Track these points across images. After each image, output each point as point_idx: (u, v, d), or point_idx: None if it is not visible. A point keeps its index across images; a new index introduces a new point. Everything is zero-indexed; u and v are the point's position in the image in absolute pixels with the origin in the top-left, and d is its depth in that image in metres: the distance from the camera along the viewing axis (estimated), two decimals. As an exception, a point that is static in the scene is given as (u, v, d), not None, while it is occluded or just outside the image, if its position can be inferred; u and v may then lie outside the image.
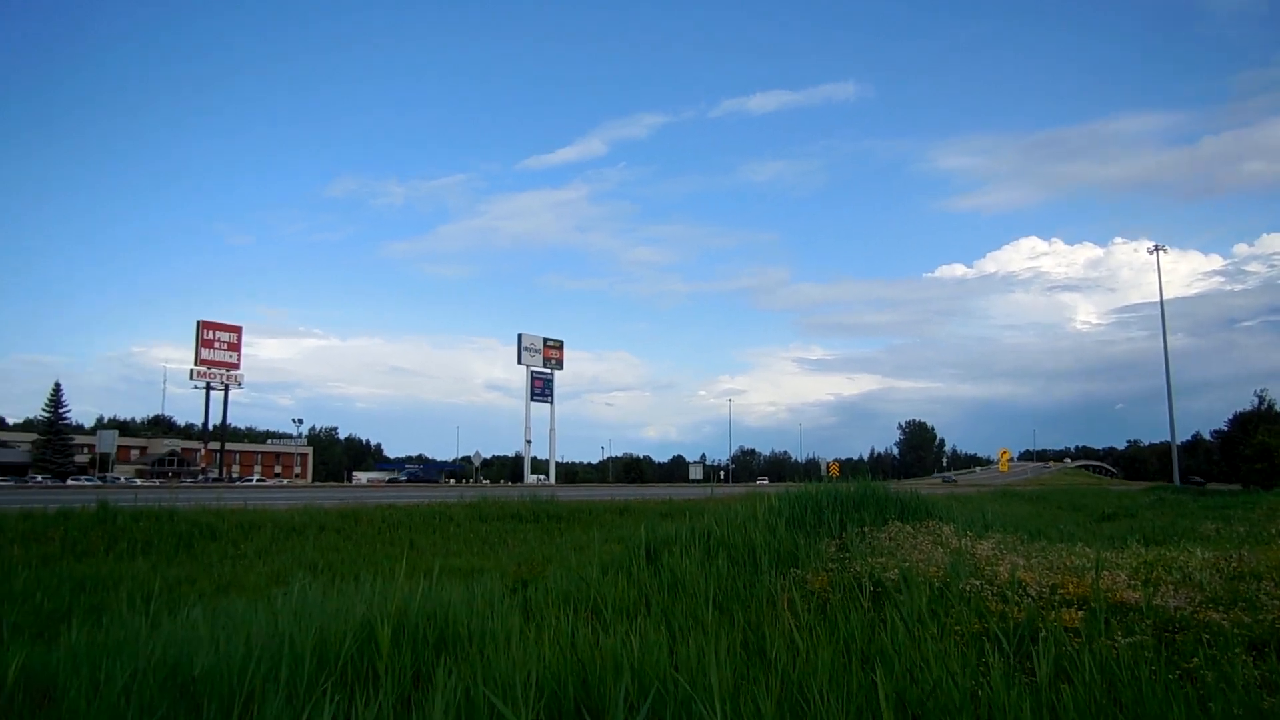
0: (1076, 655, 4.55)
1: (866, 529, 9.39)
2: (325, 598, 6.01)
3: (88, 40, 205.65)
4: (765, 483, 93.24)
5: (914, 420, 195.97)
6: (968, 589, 6.23)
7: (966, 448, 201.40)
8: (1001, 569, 6.87)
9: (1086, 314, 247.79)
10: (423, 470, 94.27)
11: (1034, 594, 6.03)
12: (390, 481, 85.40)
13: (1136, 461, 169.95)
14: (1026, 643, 4.95)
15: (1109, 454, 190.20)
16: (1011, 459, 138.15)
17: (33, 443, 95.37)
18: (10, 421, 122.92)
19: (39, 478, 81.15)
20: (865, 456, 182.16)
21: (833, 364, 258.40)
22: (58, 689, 4.22)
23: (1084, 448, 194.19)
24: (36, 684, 4.40)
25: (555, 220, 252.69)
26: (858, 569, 7.15)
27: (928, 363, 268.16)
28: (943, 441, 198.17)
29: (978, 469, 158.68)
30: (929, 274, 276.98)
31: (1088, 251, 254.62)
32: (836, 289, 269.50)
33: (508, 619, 5.68)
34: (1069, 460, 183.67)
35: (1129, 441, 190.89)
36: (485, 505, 21.35)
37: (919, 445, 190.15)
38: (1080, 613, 5.52)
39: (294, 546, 15.03)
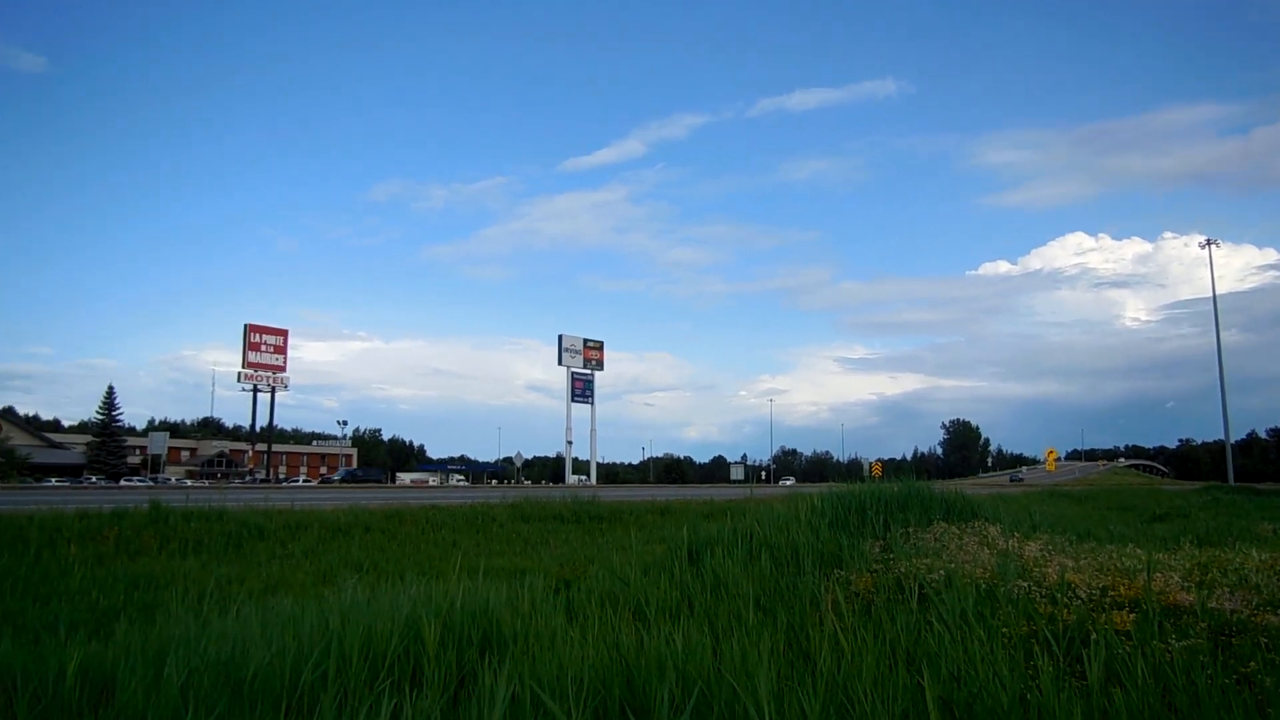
0: (1129, 659, 4.46)
1: (911, 529, 9.29)
2: (371, 597, 6.08)
3: (130, 49, 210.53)
4: (791, 482, 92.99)
5: (958, 419, 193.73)
6: (1015, 591, 6.13)
7: (1012, 447, 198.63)
8: (1050, 570, 6.76)
9: (1135, 310, 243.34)
10: (362, 473, 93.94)
11: (1084, 596, 5.91)
12: (323, 482, 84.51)
13: (1189, 460, 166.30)
14: (1076, 646, 4.87)
15: (1160, 453, 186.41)
16: (1059, 458, 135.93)
17: (87, 444, 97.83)
18: (66, 424, 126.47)
19: (94, 479, 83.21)
20: (908, 456, 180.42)
21: (875, 363, 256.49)
22: (116, 685, 4.31)
23: (1134, 447, 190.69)
24: (95, 679, 4.50)
25: (594, 221, 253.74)
26: (902, 570, 7.08)
27: (972, 361, 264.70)
28: (988, 441, 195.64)
29: (1024, 469, 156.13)
30: (973, 271, 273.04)
31: (1136, 247, 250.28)
32: (878, 287, 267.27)
33: (551, 619, 5.71)
34: (1120, 460, 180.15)
35: (1181, 440, 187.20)
36: (527, 506, 21.47)
37: (963, 445, 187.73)
38: (1132, 615, 5.41)
39: (340, 546, 15.24)
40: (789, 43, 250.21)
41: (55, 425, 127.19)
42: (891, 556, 7.82)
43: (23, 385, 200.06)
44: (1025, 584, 6.29)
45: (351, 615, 5.15)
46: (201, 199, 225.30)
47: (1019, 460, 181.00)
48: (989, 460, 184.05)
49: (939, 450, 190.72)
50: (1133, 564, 7.25)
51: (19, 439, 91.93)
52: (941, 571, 6.78)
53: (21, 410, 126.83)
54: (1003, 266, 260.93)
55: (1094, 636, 4.79)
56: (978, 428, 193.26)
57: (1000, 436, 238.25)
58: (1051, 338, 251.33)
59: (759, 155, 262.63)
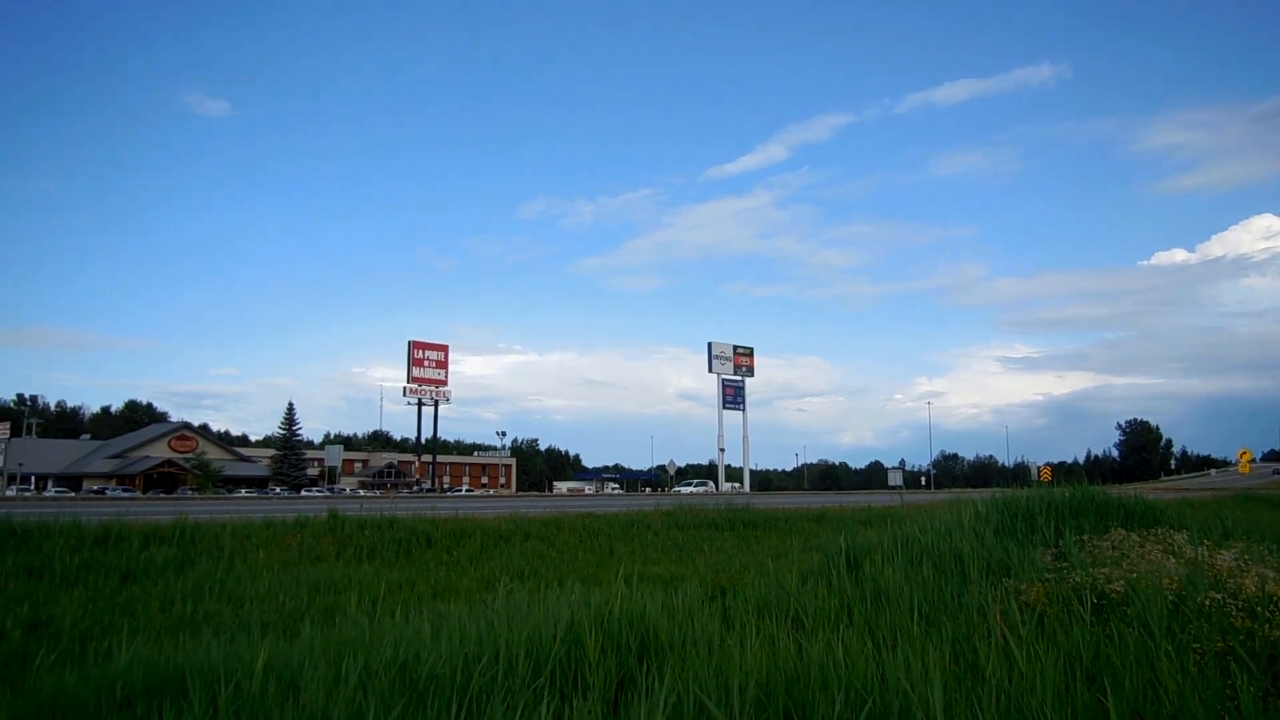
0: (1343, 679, 4.05)
1: (1085, 537, 8.76)
2: (532, 603, 6.25)
3: (301, 92, 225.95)
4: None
5: (1135, 419, 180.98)
6: (1207, 603, 5.68)
7: (1197, 448, 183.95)
8: (1247, 581, 6.22)
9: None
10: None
11: (1288, 610, 5.42)
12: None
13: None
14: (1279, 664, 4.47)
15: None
16: (1253, 460, 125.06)
17: (271, 458, 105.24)
18: (253, 439, 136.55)
19: (277, 489, 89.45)
20: (1080, 460, 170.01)
21: (1039, 362, 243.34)
22: (300, 681, 4.60)
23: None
24: (282, 677, 4.81)
25: (739, 228, 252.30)
26: (1077, 579, 6.68)
27: (1148, 357, 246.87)
28: (1169, 442, 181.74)
29: (1212, 471, 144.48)
30: (1144, 262, 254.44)
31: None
32: (1039, 283, 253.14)
33: (707, 626, 5.70)
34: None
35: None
36: (681, 513, 21.54)
37: (1142, 446, 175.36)
38: (1346, 632, 4.92)
39: (501, 553, 15.71)
40: (933, 35, 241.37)
41: (243, 440, 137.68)
42: (1065, 565, 7.40)
43: (214, 404, 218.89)
44: (1218, 596, 5.81)
45: (515, 620, 5.31)
46: (367, 225, 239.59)
47: (1206, 462, 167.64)
48: (1171, 462, 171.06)
49: (1114, 452, 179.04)
50: (1345, 575, 6.59)
51: (213, 453, 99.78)
52: (1122, 582, 6.36)
53: (214, 427, 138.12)
54: (1179, 255, 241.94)
55: (1301, 654, 4.39)
56: (1157, 428, 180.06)
57: (1183, 437, 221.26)
58: (1239, 329, 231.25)
59: (905, 152, 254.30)
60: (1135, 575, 6.55)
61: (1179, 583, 6.24)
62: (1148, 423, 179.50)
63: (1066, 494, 10.31)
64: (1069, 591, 6.44)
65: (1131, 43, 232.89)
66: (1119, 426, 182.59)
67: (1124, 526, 9.28)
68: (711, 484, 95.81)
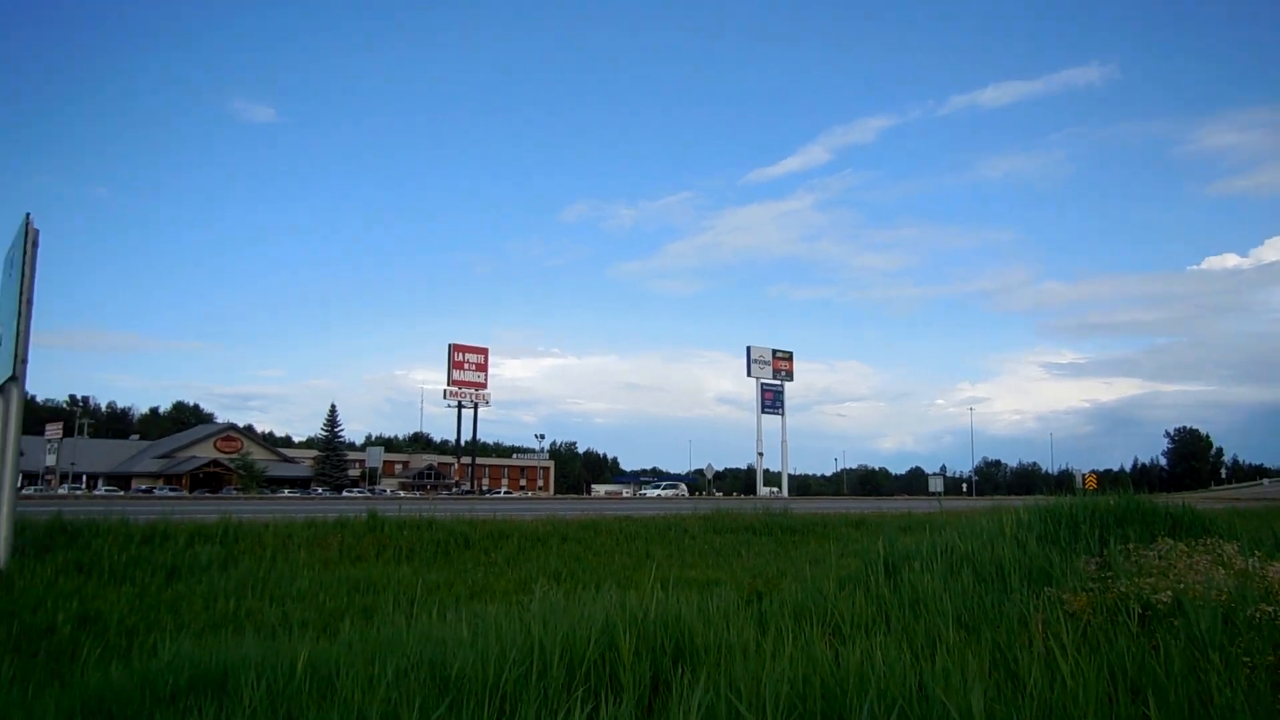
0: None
1: (1131, 546, 8.58)
2: (568, 604, 6.26)
3: (347, 100, 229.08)
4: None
5: (1184, 427, 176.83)
6: (1258, 615, 5.53)
7: (1250, 457, 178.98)
8: (1300, 593, 6.06)
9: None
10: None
11: (1343, 624, 5.26)
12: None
13: None
14: (1336, 679, 4.33)
15: None
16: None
17: (314, 459, 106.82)
18: (296, 440, 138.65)
19: (320, 490, 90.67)
20: (1127, 467, 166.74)
21: (1086, 368, 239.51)
22: (338, 679, 4.66)
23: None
24: (321, 674, 4.87)
25: (780, 231, 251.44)
26: (1123, 589, 6.54)
27: (1198, 364, 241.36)
28: (1220, 450, 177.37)
29: (1265, 481, 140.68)
30: (1195, 266, 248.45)
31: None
32: (1086, 287, 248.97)
33: (743, 630, 5.67)
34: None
35: None
36: (719, 518, 21.47)
37: (1191, 455, 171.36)
38: (1404, 647, 4.76)
39: (538, 555, 15.77)
40: (978, 37, 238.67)
41: (287, 441, 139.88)
42: (1109, 575, 7.25)
43: (259, 405, 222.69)
44: (1270, 608, 5.66)
45: (551, 621, 5.32)
46: (409, 229, 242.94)
47: (1258, 471, 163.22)
48: (1222, 471, 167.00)
49: (1162, 461, 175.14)
50: (1404, 588, 6.38)
51: (258, 454, 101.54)
52: (1169, 592, 6.22)
53: (259, 428, 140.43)
54: (1230, 260, 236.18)
55: (1357, 669, 4.25)
56: (1207, 436, 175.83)
57: (1234, 446, 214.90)
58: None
59: (950, 155, 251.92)
60: (1183, 586, 6.40)
61: (1228, 595, 6.08)
62: (1197, 431, 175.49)
63: (1111, 502, 10.10)
64: (1114, 601, 6.31)
65: (1182, 41, 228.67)
66: (1167, 434, 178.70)
67: (1171, 536, 9.06)
68: (684, 486, 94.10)
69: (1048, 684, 4.24)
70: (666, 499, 60.78)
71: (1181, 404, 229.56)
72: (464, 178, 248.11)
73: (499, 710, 4.02)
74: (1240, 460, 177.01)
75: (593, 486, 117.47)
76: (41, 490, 69.36)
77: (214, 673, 5.18)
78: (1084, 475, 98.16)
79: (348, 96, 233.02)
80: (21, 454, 12.68)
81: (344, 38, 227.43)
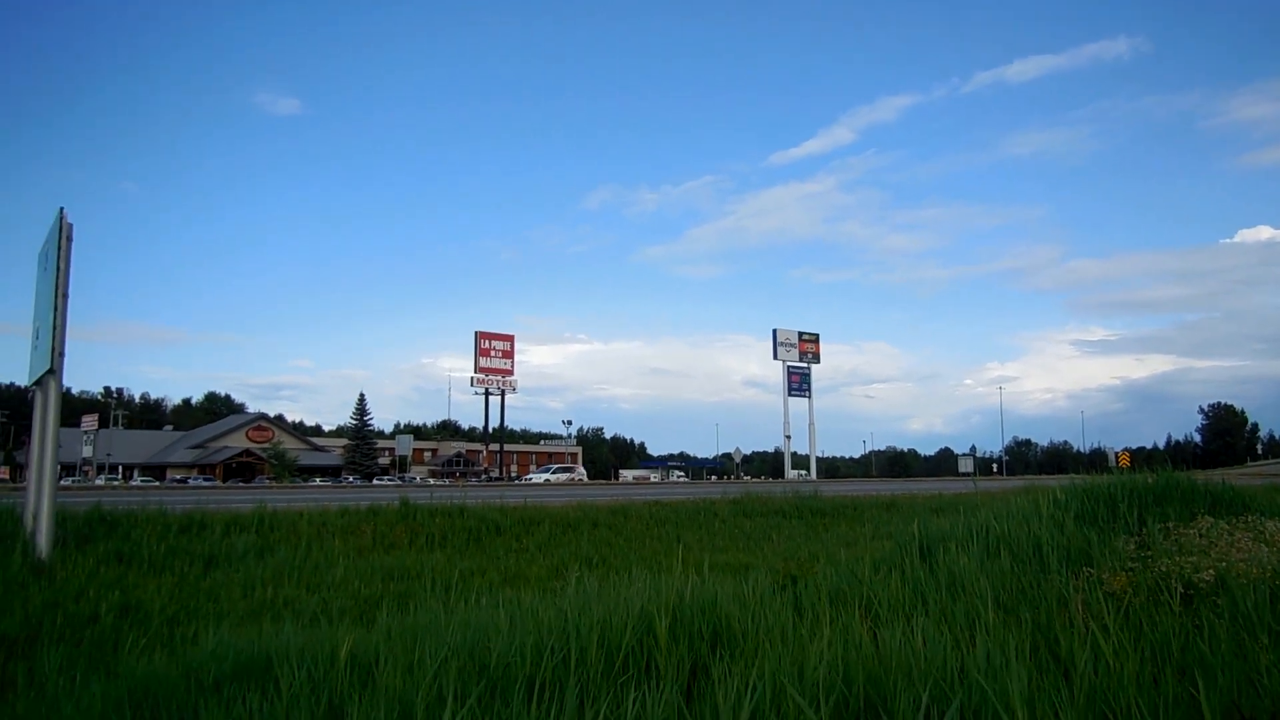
0: None
1: (1170, 524, 8.47)
2: (603, 590, 6.27)
3: (371, 91, 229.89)
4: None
5: (1219, 403, 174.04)
6: (1305, 593, 5.45)
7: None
8: (1347, 571, 5.95)
9: None
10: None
11: (1392, 601, 5.17)
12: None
13: None
14: (1387, 657, 4.25)
15: None
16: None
17: (344, 447, 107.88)
18: (326, 429, 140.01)
19: (351, 478, 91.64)
20: (1160, 445, 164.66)
21: (1117, 345, 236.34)
22: (378, 667, 4.69)
23: None
24: (361, 662, 4.91)
25: (804, 213, 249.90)
26: (1164, 568, 6.46)
27: (1232, 338, 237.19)
28: (1255, 426, 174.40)
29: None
30: (1227, 240, 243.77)
31: None
32: (1116, 263, 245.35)
33: (780, 615, 5.66)
34: None
35: None
36: (748, 501, 21.44)
37: (1226, 431, 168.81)
38: None
39: (570, 541, 15.83)
40: (1003, 12, 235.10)
41: (318, 430, 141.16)
42: (1149, 554, 7.16)
43: (290, 395, 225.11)
44: (1316, 586, 5.57)
45: (586, 607, 5.33)
46: (434, 218, 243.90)
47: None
48: (1258, 447, 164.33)
49: (1196, 437, 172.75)
50: None
51: (289, 443, 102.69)
52: (1211, 571, 6.14)
53: (290, 418, 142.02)
54: (1264, 232, 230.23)
55: None
56: (1242, 411, 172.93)
57: (1271, 421, 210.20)
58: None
59: (975, 132, 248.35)
60: (1225, 564, 6.31)
61: (1272, 572, 5.99)
62: (1232, 406, 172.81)
63: (1150, 480, 9.97)
64: (1154, 581, 6.24)
65: (1212, 12, 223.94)
66: (1201, 410, 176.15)
67: (1211, 514, 8.93)
68: (582, 470, 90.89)
69: (1091, 665, 4.20)
70: (558, 483, 57.59)
71: (1215, 379, 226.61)
72: (487, 166, 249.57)
73: (540, 695, 4.02)
74: (1276, 435, 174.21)
75: (620, 472, 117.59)
76: (79, 481, 70.59)
77: (256, 661, 5.24)
78: (1117, 453, 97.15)
79: (371, 87, 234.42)
80: (59, 445, 12.87)
81: (366, 29, 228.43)
